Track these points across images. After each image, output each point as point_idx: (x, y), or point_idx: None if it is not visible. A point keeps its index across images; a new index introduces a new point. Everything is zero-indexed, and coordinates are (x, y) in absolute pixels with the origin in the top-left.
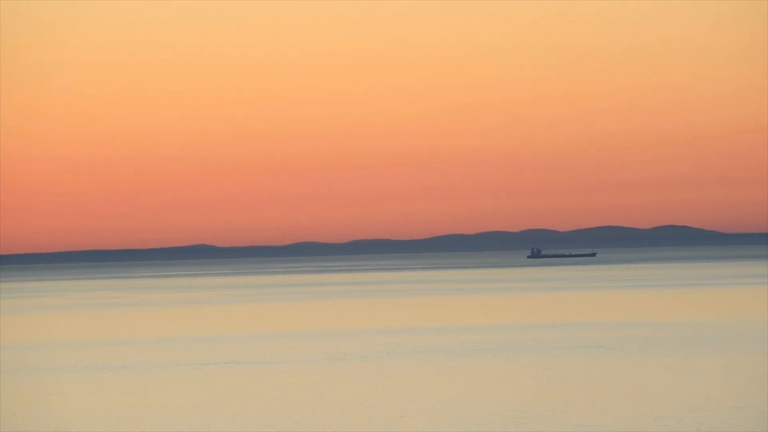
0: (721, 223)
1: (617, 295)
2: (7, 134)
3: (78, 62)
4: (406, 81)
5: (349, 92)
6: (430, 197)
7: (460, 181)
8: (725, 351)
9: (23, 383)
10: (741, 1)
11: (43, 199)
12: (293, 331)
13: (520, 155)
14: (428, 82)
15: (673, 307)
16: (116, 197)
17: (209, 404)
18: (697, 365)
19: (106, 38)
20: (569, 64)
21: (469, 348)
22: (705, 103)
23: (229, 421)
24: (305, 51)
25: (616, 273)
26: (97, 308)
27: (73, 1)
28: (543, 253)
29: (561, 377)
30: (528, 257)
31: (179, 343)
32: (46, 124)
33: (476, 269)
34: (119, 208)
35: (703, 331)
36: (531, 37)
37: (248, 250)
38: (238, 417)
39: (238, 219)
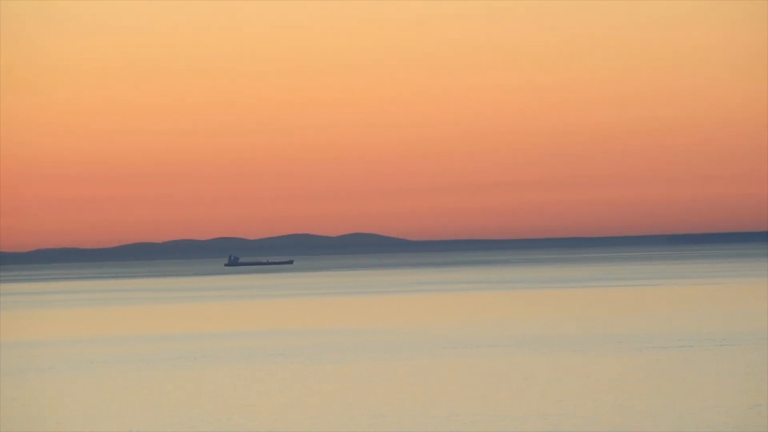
0: (410, 231)
1: (319, 301)
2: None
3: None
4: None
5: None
6: (114, 205)
7: (144, 190)
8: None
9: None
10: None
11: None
12: None
13: (208, 163)
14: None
15: (376, 314)
16: None
17: None
18: (394, 369)
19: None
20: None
21: (176, 356)
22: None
23: None
24: None
25: (315, 280)
26: None
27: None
28: (241, 260)
29: (266, 383)
30: (226, 265)
31: None
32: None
33: (174, 277)
34: None
35: (412, 336)
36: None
37: None
38: None
39: None
